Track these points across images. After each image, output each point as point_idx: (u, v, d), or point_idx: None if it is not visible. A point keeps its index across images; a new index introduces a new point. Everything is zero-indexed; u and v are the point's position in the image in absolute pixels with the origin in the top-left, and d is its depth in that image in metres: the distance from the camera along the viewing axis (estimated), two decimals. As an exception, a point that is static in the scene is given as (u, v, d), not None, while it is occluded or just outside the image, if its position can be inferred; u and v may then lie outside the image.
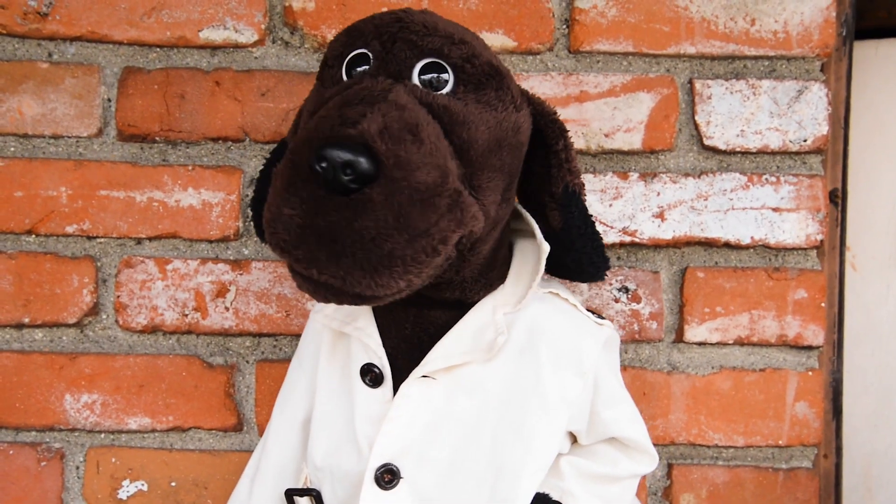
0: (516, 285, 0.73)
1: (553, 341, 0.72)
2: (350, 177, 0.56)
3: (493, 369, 0.70)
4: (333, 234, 0.56)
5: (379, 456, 0.70)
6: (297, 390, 0.82)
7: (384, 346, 0.73)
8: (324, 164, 0.55)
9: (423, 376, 0.70)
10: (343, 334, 0.77)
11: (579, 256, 0.73)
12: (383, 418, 0.71)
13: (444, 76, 0.64)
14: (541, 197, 0.73)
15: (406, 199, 0.57)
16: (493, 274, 0.72)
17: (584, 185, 0.73)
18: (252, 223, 0.80)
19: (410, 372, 0.71)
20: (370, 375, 0.72)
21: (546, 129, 0.72)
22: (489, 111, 0.65)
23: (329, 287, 0.58)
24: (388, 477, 0.70)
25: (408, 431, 0.70)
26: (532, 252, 0.75)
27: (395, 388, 0.72)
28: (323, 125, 0.59)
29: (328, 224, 0.56)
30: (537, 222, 0.74)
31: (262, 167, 0.79)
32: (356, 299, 0.59)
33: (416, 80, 0.64)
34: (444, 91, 0.64)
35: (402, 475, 0.70)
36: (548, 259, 0.72)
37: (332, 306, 0.77)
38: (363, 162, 0.56)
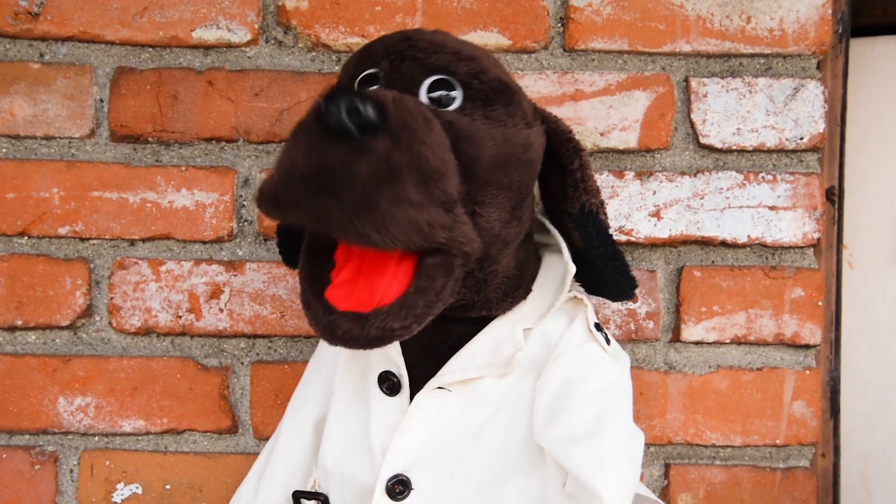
0: (538, 301, 0.72)
1: (556, 354, 0.70)
2: (354, 121, 0.54)
3: (508, 383, 0.69)
4: (323, 171, 0.55)
5: (391, 466, 0.69)
6: (313, 390, 0.81)
7: (404, 354, 0.71)
8: (330, 108, 0.54)
9: (439, 388, 0.69)
10: None
11: (601, 276, 0.71)
12: (398, 427, 0.70)
13: (453, 93, 0.63)
14: (561, 216, 0.72)
15: (406, 163, 0.56)
16: (519, 292, 0.71)
17: (603, 203, 0.71)
18: (279, 248, 0.82)
19: (426, 382, 0.70)
20: (387, 383, 0.71)
21: (561, 147, 0.70)
22: (497, 127, 0.63)
23: (319, 219, 0.57)
24: (399, 488, 0.69)
25: (421, 442, 0.69)
26: (557, 268, 0.73)
27: (413, 398, 0.71)
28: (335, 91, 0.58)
29: (320, 160, 0.55)
30: (565, 239, 0.73)
31: None
32: (344, 234, 0.57)
33: (424, 97, 0.63)
34: (452, 108, 0.63)
35: (413, 486, 0.69)
36: (577, 274, 0.71)
37: None
38: (370, 110, 0.55)
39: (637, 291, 1.02)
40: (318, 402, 0.81)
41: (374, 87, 0.64)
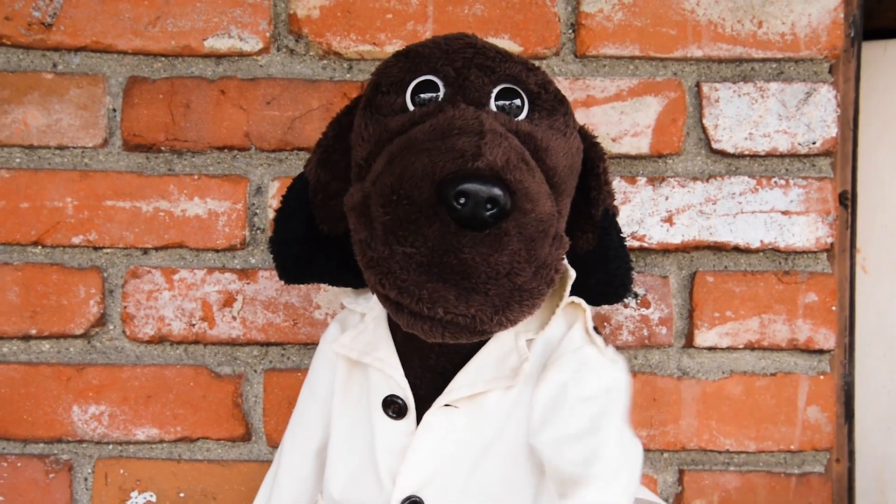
0: (538, 311, 0.71)
1: (554, 357, 0.70)
2: (491, 211, 0.54)
3: (514, 395, 0.69)
4: (466, 271, 0.55)
5: (403, 488, 0.69)
6: (309, 419, 0.80)
7: (407, 376, 0.71)
8: (462, 200, 0.54)
9: (446, 405, 0.69)
10: (358, 363, 0.75)
11: (610, 278, 0.71)
12: (406, 449, 0.69)
13: (518, 102, 0.63)
14: (573, 220, 0.72)
15: (534, 230, 0.57)
16: None
17: (618, 208, 0.73)
18: (276, 263, 0.74)
19: (433, 401, 0.69)
20: (393, 407, 0.71)
21: (588, 152, 0.71)
22: (561, 137, 0.64)
23: (453, 324, 0.57)
24: None
25: (432, 462, 0.69)
26: None
27: (418, 418, 0.70)
28: (440, 159, 0.56)
29: (460, 261, 0.55)
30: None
31: (281, 205, 0.74)
32: (476, 335, 0.58)
33: (493, 106, 0.63)
34: (521, 117, 0.63)
35: None
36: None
37: (349, 335, 0.74)
38: (502, 195, 0.54)
39: (650, 297, 1.02)
40: (316, 430, 0.79)
41: (431, 95, 0.63)
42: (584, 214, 0.71)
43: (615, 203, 0.72)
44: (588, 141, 0.72)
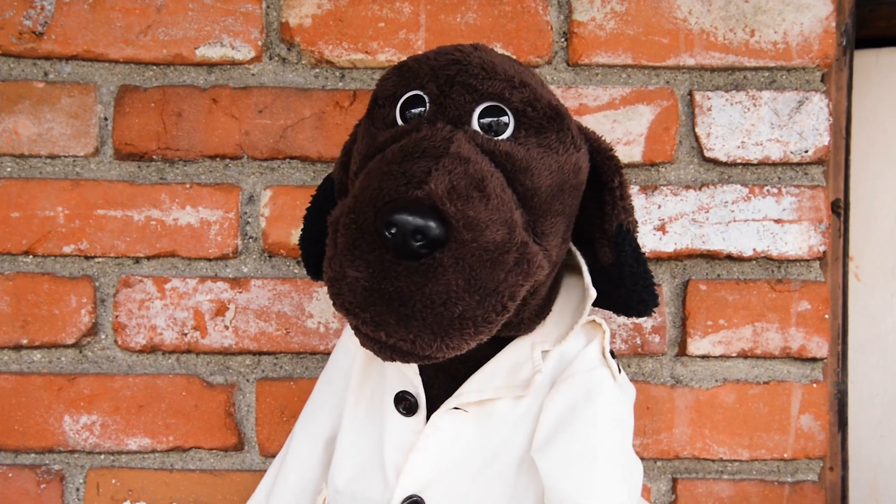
0: (557, 323, 0.71)
1: (567, 374, 0.69)
2: (420, 242, 0.54)
3: (525, 404, 0.69)
4: (402, 298, 0.55)
5: (406, 486, 0.69)
6: (323, 408, 0.80)
7: (421, 374, 0.71)
8: (393, 230, 0.54)
9: (455, 408, 0.69)
10: (376, 358, 0.74)
11: (628, 294, 0.70)
12: (413, 448, 0.69)
13: (504, 119, 0.62)
14: (591, 232, 0.71)
15: (476, 260, 0.56)
16: (546, 312, 0.71)
17: (636, 222, 0.70)
18: (303, 261, 0.78)
19: (444, 402, 0.69)
20: (404, 403, 0.71)
21: (602, 166, 0.69)
22: (551, 155, 0.63)
23: (397, 349, 0.57)
24: None
25: (436, 463, 0.69)
26: (576, 289, 0.73)
27: (429, 418, 0.70)
28: (387, 185, 0.57)
29: (396, 289, 0.55)
30: (585, 255, 0.72)
31: (309, 204, 0.77)
32: (424, 359, 0.58)
33: (475, 125, 0.62)
34: (505, 136, 0.62)
35: None
36: (599, 291, 0.71)
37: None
38: (433, 227, 0.54)
39: (643, 306, 1.01)
40: (328, 420, 0.80)
41: (418, 110, 0.63)
42: (599, 229, 0.70)
43: (633, 219, 0.70)
44: (603, 154, 0.69)
